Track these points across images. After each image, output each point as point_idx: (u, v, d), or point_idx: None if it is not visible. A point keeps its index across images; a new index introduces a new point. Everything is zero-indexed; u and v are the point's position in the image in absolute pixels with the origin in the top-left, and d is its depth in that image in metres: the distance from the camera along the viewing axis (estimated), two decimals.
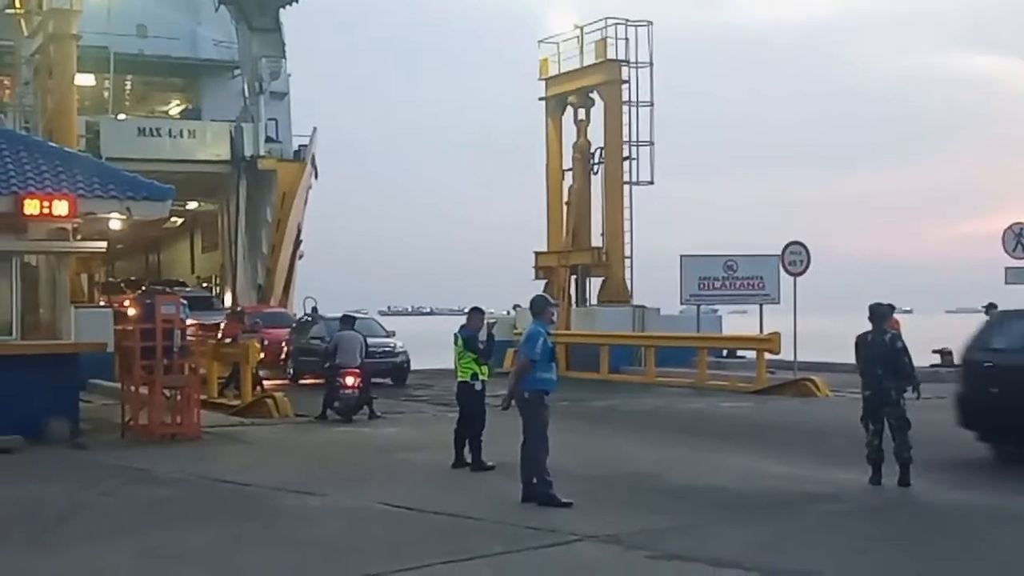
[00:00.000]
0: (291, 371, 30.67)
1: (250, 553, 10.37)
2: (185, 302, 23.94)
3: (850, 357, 14.61)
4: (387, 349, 29.49)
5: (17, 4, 34.81)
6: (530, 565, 9.91)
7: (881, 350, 13.71)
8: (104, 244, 20.18)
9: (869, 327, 13.96)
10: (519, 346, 13.02)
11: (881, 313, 13.95)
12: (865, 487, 13.47)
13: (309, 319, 32.65)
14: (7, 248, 18.33)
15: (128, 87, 44.69)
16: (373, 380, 22.58)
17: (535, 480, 12.40)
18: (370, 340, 27.20)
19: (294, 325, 32.75)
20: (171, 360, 18.53)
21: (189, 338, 21.84)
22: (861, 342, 13.98)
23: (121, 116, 40.15)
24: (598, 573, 9.57)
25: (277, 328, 31.58)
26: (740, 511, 12.38)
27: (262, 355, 25.23)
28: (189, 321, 28.33)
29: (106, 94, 40.90)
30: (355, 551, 10.38)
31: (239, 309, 32.41)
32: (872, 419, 13.74)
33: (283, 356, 31.18)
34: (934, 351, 30.99)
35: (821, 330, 44.59)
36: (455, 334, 15.72)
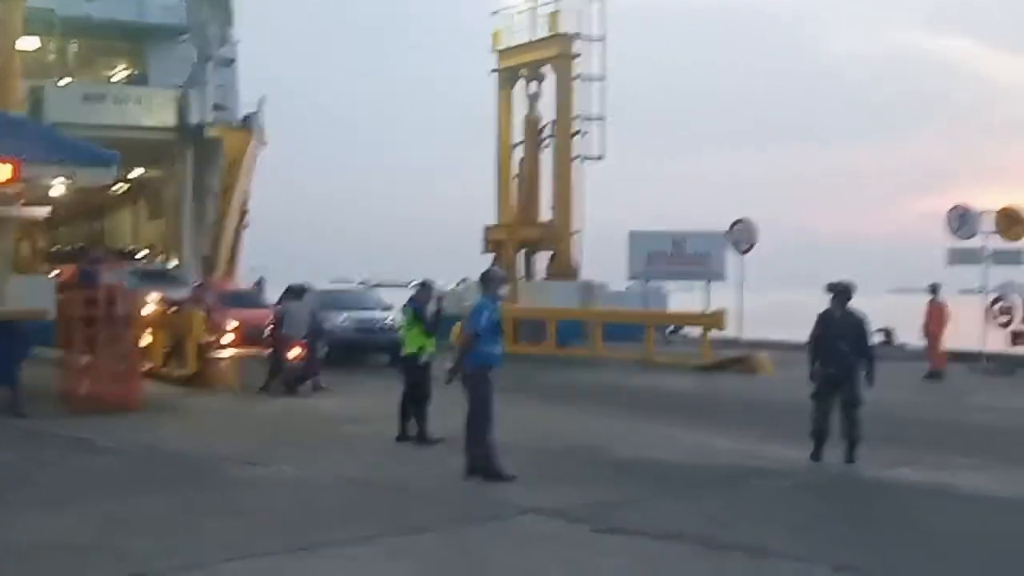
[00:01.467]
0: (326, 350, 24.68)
1: (198, 520, 10.30)
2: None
3: (794, 334, 14.80)
4: (385, 324, 27.09)
5: None
6: (475, 537, 9.94)
7: (848, 328, 13.78)
8: (48, 209, 19.89)
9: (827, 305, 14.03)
10: (464, 320, 13.00)
11: (846, 293, 13.98)
12: (808, 464, 13.63)
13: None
14: None
15: (74, 51, 43.94)
16: (367, 352, 22.13)
17: (480, 453, 12.42)
18: (368, 314, 27.42)
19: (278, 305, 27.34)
20: (114, 329, 18.34)
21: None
22: (825, 319, 13.99)
23: (66, 80, 39.50)
24: (542, 546, 9.61)
25: (246, 308, 27.71)
26: (685, 486, 12.50)
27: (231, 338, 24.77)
28: (152, 296, 27.90)
29: (51, 58, 40.21)
30: (302, 520, 10.35)
31: (199, 284, 31.84)
32: (825, 396, 13.81)
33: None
34: (877, 330, 31.35)
35: (767, 306, 44.96)
36: (403, 306, 15.67)
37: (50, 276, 27.67)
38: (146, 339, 21.67)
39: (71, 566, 8.66)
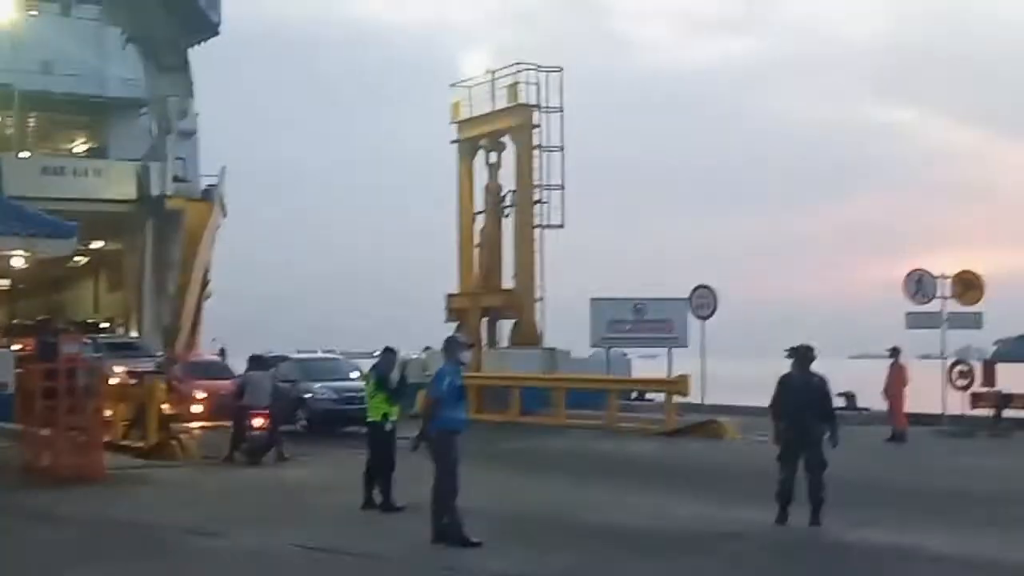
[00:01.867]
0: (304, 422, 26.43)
1: None
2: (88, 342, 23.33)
3: (757, 399, 14.85)
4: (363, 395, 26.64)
5: None
6: None
7: (808, 391, 13.80)
8: (7, 282, 19.80)
9: (786, 370, 14.11)
10: (428, 386, 13.01)
11: (805, 356, 14.05)
12: (773, 526, 13.63)
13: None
14: None
15: (32, 124, 43.92)
16: (348, 429, 21.68)
17: (446, 520, 12.36)
18: (347, 384, 26.44)
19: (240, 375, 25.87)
20: (75, 400, 18.18)
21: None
22: (786, 383, 14.04)
23: (24, 154, 39.46)
24: None
25: (215, 379, 28.28)
26: (651, 549, 12.47)
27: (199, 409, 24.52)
28: (119, 368, 27.69)
29: (9, 131, 40.19)
30: None
31: (168, 357, 31.66)
32: (789, 459, 13.82)
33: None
34: (839, 394, 31.53)
35: (730, 373, 45.14)
36: (366, 374, 15.64)
37: (11, 349, 27.45)
38: (107, 411, 21.43)
39: None
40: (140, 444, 22.00)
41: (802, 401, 13.80)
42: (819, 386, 13.93)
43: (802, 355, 14.08)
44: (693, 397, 28.46)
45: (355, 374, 27.67)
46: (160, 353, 33.43)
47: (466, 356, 13.37)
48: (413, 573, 10.98)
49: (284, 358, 29.15)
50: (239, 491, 17.54)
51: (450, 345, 13.05)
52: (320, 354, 32.68)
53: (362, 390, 25.41)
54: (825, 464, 13.72)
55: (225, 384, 26.59)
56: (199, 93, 39.39)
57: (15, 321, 43.53)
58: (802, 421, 13.76)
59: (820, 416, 13.79)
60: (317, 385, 26.57)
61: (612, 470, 20.26)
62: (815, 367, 14.08)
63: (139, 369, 29.20)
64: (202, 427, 26.90)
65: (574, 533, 13.38)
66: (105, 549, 12.54)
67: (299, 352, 32.96)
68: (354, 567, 11.47)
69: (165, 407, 22.75)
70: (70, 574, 10.98)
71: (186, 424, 22.57)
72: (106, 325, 41.39)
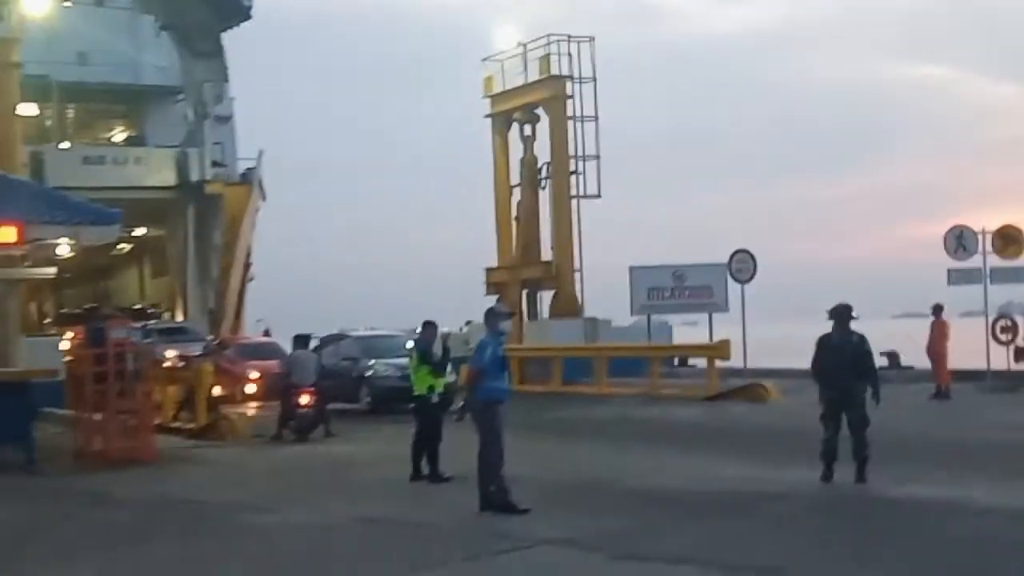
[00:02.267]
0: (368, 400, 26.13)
1: (211, 569, 10.41)
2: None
3: (799, 362, 14.84)
4: None
5: None
6: (491, 570, 10.03)
7: (849, 351, 13.84)
8: (53, 270, 20.08)
9: (829, 330, 14.15)
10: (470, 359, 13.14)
11: (845, 314, 14.07)
12: (819, 485, 13.69)
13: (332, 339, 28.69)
14: None
15: (71, 115, 44.39)
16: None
17: (493, 488, 12.51)
18: (406, 360, 26.14)
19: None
20: (124, 384, 18.47)
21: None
22: (825, 343, 14.08)
23: (65, 145, 39.89)
24: (557, 575, 9.70)
25: (267, 360, 28.73)
26: (696, 512, 12.56)
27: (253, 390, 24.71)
28: (170, 352, 28.04)
29: (48, 123, 40.63)
30: (318, 563, 10.45)
31: (219, 340, 32.02)
32: (832, 418, 13.87)
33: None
34: (882, 353, 31.46)
35: (771, 337, 45.05)
36: (411, 347, 15.82)
37: (64, 337, 27.82)
38: (156, 394, 21.75)
39: None
40: (190, 426, 22.35)
41: (842, 360, 13.83)
42: (859, 344, 13.95)
43: (841, 314, 14.11)
44: (735, 361, 28.47)
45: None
46: (210, 337, 33.82)
47: (506, 326, 13.48)
48: (462, 541, 11.14)
49: (342, 336, 29.23)
50: (288, 468, 17.79)
51: (490, 316, 13.17)
52: (382, 331, 31.92)
53: None
54: (868, 422, 13.76)
55: (276, 364, 26.68)
56: (234, 78, 39.61)
57: (63, 310, 44.01)
58: (843, 380, 13.79)
59: (861, 374, 13.84)
60: (379, 363, 26.06)
61: (656, 435, 20.35)
62: (855, 327, 14.11)
63: (190, 353, 29.63)
64: (257, 407, 27.29)
65: (620, 498, 13.50)
66: (159, 528, 12.78)
67: (364, 329, 33.01)
68: (404, 536, 11.64)
69: (215, 389, 23.05)
70: (127, 552, 11.20)
71: (241, 405, 22.68)
72: (153, 311, 41.77)
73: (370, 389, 26.04)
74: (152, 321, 36.33)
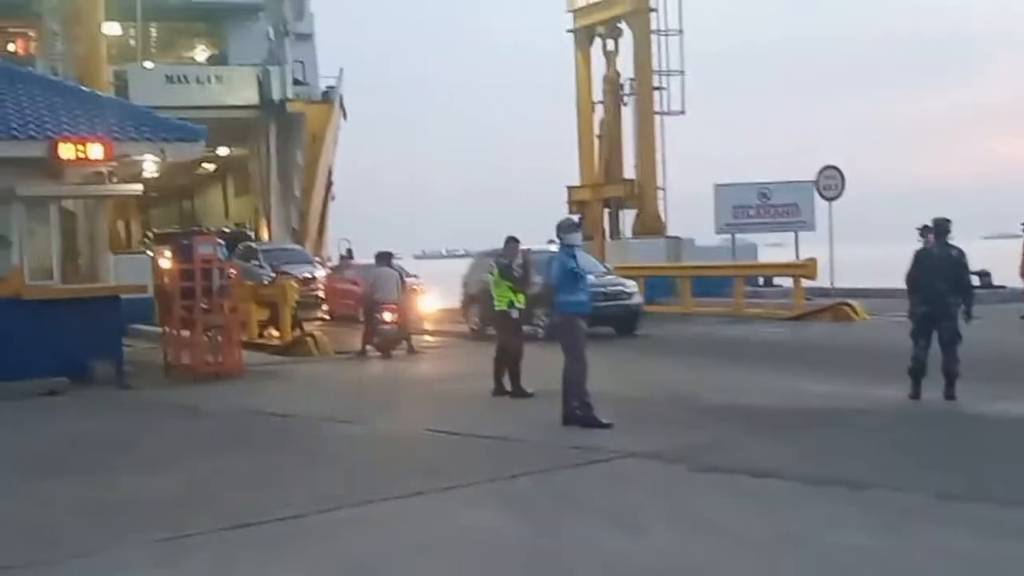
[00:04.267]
0: (474, 323, 24.73)
1: (297, 474, 10.55)
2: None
3: (888, 282, 14.53)
4: (616, 289, 24.09)
5: None
6: (573, 480, 10.00)
7: (946, 264, 13.55)
8: (140, 187, 20.27)
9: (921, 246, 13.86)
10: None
11: (944, 228, 13.77)
12: (906, 402, 13.47)
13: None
14: (44, 193, 18.46)
15: (154, 34, 44.63)
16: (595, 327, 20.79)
17: (576, 402, 12.49)
18: (597, 279, 22.78)
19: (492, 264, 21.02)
20: (211, 301, 18.68)
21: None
22: (924, 256, 13.79)
23: (148, 64, 40.15)
24: (639, 486, 9.65)
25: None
26: (779, 427, 12.43)
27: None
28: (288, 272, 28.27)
29: (132, 42, 40.87)
30: (401, 471, 10.52)
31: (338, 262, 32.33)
32: (923, 334, 13.62)
33: None
34: (974, 273, 30.76)
35: (859, 258, 44.40)
36: (491, 263, 15.78)
37: (161, 255, 28.04)
38: (244, 310, 21.95)
39: (173, 518, 8.86)
40: (275, 342, 22.60)
41: (938, 273, 13.53)
42: (957, 258, 13.59)
43: (939, 227, 13.77)
44: (821, 281, 28.08)
45: (603, 269, 25.62)
46: (329, 259, 34.08)
47: (575, 238, 13.34)
48: (545, 452, 11.13)
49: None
50: (372, 383, 17.94)
51: (559, 229, 13.13)
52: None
53: (615, 284, 24.26)
54: (960, 337, 13.47)
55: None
56: None
57: (157, 230, 44.26)
58: (938, 294, 13.49)
59: (956, 289, 13.51)
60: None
61: (741, 353, 20.18)
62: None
63: (304, 276, 29.83)
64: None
65: (704, 414, 13.39)
66: (246, 438, 12.97)
67: (420, 255, 33.16)
68: (487, 448, 11.67)
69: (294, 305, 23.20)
70: (216, 460, 11.37)
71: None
72: (250, 232, 41.52)
73: (480, 309, 23.87)
74: (257, 243, 35.82)
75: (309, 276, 30.79)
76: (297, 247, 35.48)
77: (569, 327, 12.70)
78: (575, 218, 15.68)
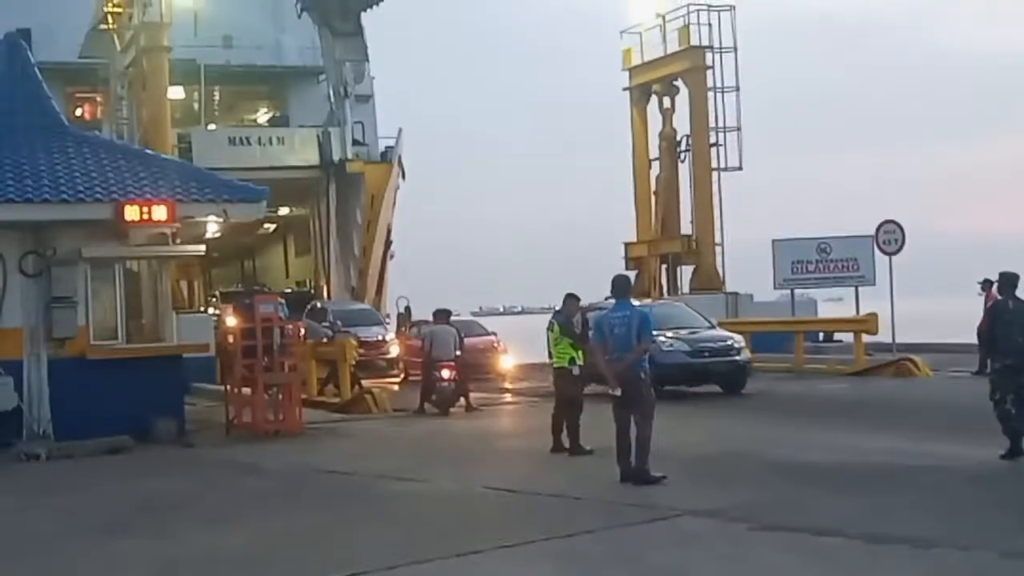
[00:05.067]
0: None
1: (358, 531, 10.61)
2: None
3: (950, 336, 14.34)
4: (723, 344, 23.01)
5: (109, 21, 35.66)
6: (633, 539, 9.96)
7: (1020, 317, 13.30)
8: (203, 247, 20.56)
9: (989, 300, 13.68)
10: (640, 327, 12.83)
11: (1013, 282, 13.57)
12: (973, 458, 13.24)
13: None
14: (110, 254, 18.76)
15: (216, 97, 45.45)
16: (701, 386, 20.48)
17: (635, 461, 12.40)
18: (698, 333, 23.06)
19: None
20: (271, 359, 18.86)
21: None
22: (1002, 309, 13.59)
23: (212, 126, 40.87)
24: (700, 545, 9.59)
25: (477, 336, 28.65)
26: (842, 485, 12.29)
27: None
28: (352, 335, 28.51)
29: (196, 106, 41.65)
30: (460, 529, 10.54)
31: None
32: (1006, 389, 13.30)
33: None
34: None
35: (919, 312, 43.93)
36: (550, 320, 15.84)
37: (227, 314, 28.26)
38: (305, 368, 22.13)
39: None
40: (334, 400, 22.74)
41: (1015, 328, 13.29)
42: None
43: (1010, 280, 13.58)
44: (883, 336, 27.80)
45: (707, 323, 24.28)
46: (387, 319, 34.11)
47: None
48: (603, 510, 11.10)
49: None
50: (430, 440, 17.98)
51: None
52: (663, 301, 28.86)
53: (721, 339, 23.17)
54: None
55: (487, 340, 27.66)
56: (373, 57, 40.01)
57: (223, 290, 44.62)
58: (1016, 349, 13.23)
59: None
60: (665, 336, 21.78)
61: (802, 409, 20.00)
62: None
63: (375, 339, 30.14)
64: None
65: (763, 471, 13.29)
66: (307, 495, 13.06)
67: (477, 312, 33.29)
68: (546, 505, 11.66)
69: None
70: (274, 519, 11.43)
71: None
72: (306, 290, 41.74)
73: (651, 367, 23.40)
74: (330, 303, 35.58)
75: (379, 339, 30.70)
76: (367, 306, 35.53)
77: (650, 384, 12.73)
78: (629, 275, 15.73)
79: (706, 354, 22.14)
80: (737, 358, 22.85)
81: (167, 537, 10.76)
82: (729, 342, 23.00)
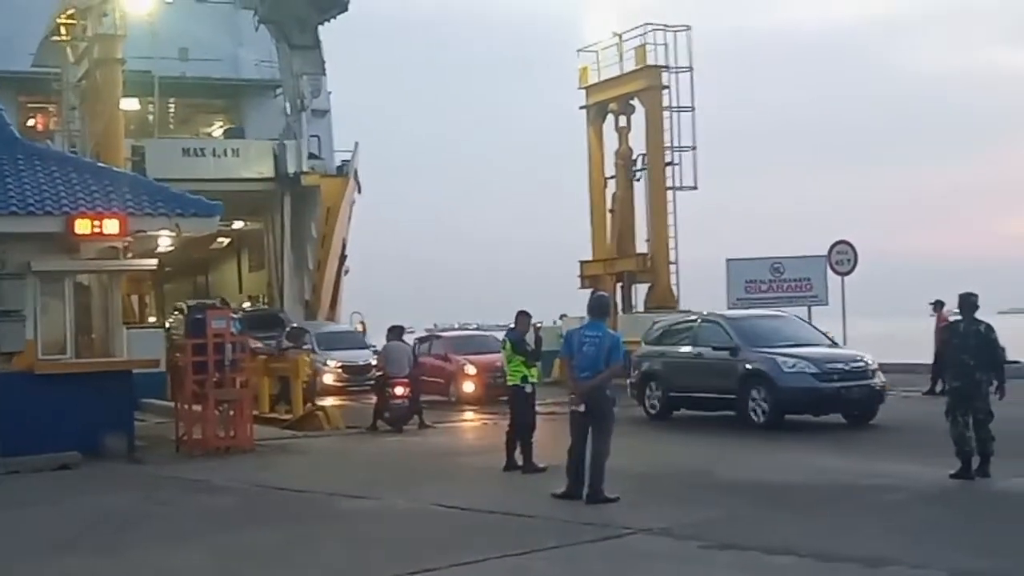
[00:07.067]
0: (654, 406, 21.91)
1: (310, 551, 10.51)
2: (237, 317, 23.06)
3: (900, 357, 14.44)
4: (857, 366, 19.75)
5: (63, 32, 35.31)
6: (585, 558, 9.94)
7: (975, 340, 13.39)
8: (155, 261, 20.37)
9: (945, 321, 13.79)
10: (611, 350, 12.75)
11: (971, 303, 13.63)
12: (927, 477, 13.31)
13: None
14: (60, 268, 18.54)
15: (172, 110, 45.10)
16: (829, 414, 18.98)
17: (589, 480, 12.37)
18: (825, 352, 20.33)
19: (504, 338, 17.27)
20: (222, 375, 18.68)
21: None
22: (953, 331, 13.71)
23: (165, 138, 40.52)
24: (652, 563, 9.59)
25: (479, 354, 27.38)
26: (793, 502, 12.35)
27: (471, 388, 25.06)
28: (332, 362, 28.09)
29: (150, 118, 41.30)
30: (412, 547, 10.47)
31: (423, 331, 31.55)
32: (960, 410, 13.37)
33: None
34: None
35: (871, 332, 44.26)
36: (503, 338, 15.82)
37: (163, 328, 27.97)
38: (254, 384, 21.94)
39: None
40: (286, 416, 22.56)
41: (966, 351, 13.39)
42: (986, 333, 13.44)
43: (966, 302, 13.67)
44: None
45: (824, 340, 21.35)
46: (373, 346, 33.40)
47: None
48: (556, 529, 11.07)
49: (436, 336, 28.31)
50: (384, 457, 17.89)
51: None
52: (763, 312, 24.93)
53: (853, 359, 19.99)
54: (992, 415, 13.31)
55: (490, 358, 25.49)
56: (330, 71, 39.84)
57: (189, 302, 43.83)
58: (969, 371, 13.33)
59: (987, 365, 13.35)
60: (787, 356, 19.48)
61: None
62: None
63: (360, 364, 29.66)
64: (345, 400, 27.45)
65: (713, 489, 13.32)
66: (259, 514, 12.94)
67: (432, 328, 32.52)
68: (498, 524, 11.62)
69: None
70: (226, 538, 11.32)
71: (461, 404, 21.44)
72: (263, 306, 40.88)
73: (770, 391, 19.22)
74: (314, 323, 34.81)
75: (366, 364, 29.44)
76: (350, 328, 35.04)
77: (613, 403, 12.73)
78: (606, 295, 15.68)
79: (836, 377, 19.20)
80: (872, 381, 19.72)
81: (118, 555, 10.61)
82: (862, 363, 19.81)
